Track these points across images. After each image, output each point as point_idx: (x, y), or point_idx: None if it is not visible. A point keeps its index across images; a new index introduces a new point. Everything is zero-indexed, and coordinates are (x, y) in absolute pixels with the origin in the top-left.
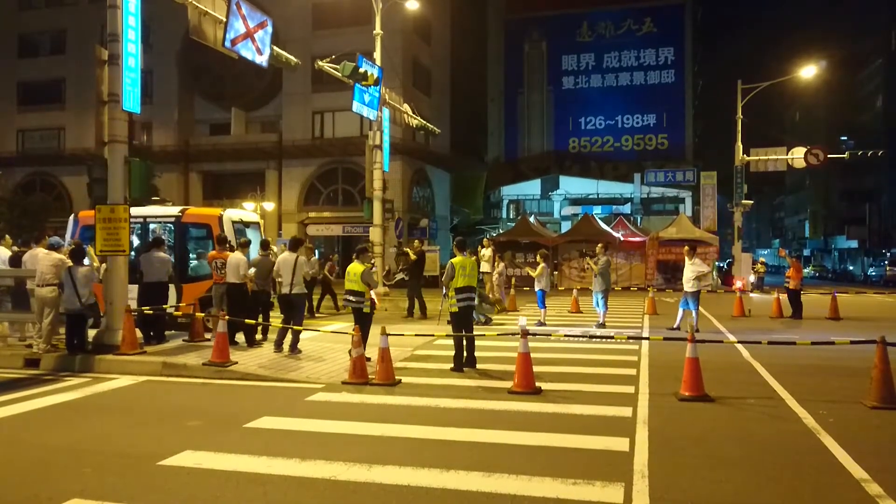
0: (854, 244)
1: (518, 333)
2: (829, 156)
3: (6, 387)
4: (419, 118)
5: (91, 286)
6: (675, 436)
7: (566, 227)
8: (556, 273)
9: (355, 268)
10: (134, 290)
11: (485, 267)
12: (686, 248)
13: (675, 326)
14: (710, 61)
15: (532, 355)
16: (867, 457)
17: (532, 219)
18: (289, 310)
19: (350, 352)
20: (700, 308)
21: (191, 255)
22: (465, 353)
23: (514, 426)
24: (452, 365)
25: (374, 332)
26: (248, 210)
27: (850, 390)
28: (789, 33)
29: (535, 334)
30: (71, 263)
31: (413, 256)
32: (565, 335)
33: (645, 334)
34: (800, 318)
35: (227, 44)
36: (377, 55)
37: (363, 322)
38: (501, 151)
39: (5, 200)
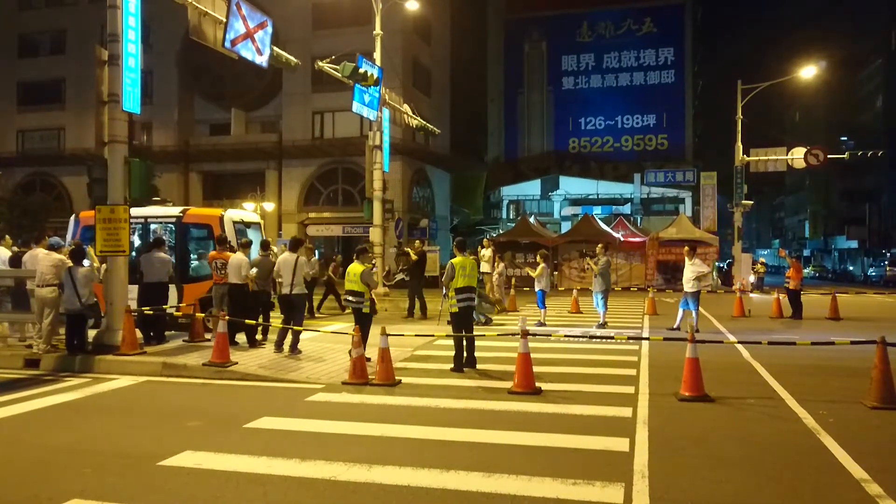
0: (854, 244)
1: (518, 334)
2: (828, 156)
3: (6, 387)
4: (419, 118)
5: (91, 286)
6: (675, 436)
7: (566, 227)
8: (556, 273)
9: (355, 268)
10: (134, 290)
11: (485, 267)
12: (686, 248)
13: (675, 327)
14: (710, 61)
15: (532, 355)
16: (867, 457)
17: (532, 219)
18: (289, 310)
19: (350, 352)
20: (700, 308)
21: (192, 256)
22: (465, 354)
23: (514, 426)
24: (452, 365)
25: (375, 332)
26: (248, 210)
27: (850, 390)
28: (789, 33)
29: (535, 334)
30: (71, 264)
31: (414, 257)
32: (565, 335)
33: (645, 334)
34: (800, 319)
35: (227, 44)
36: (377, 55)
37: (363, 322)
38: (501, 151)
39: (5, 200)
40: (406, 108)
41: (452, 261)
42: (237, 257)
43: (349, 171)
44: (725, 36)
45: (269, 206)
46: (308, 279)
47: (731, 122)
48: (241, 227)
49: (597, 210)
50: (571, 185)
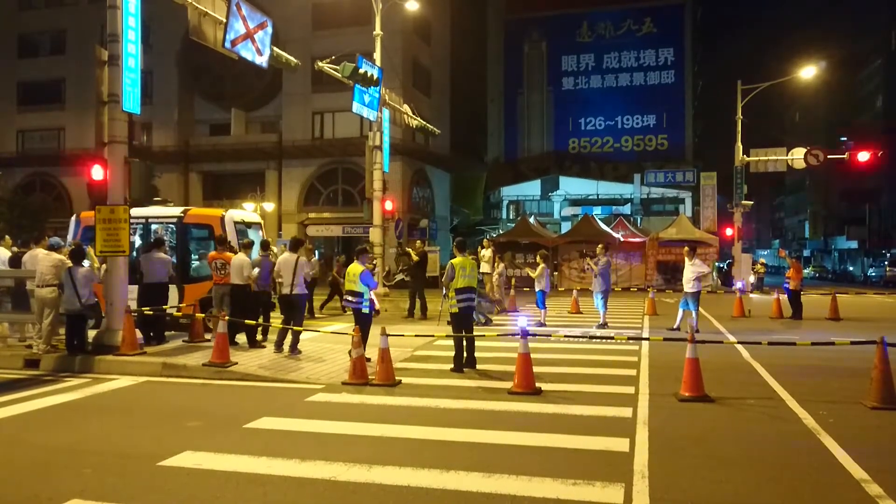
0: (854, 244)
1: (518, 334)
2: (828, 156)
3: (6, 387)
4: (419, 119)
5: (91, 286)
6: (675, 436)
7: (566, 227)
8: (556, 274)
9: (355, 268)
10: (134, 290)
11: (485, 267)
12: (686, 248)
13: (675, 327)
14: (710, 61)
15: (532, 356)
16: (867, 457)
17: (532, 219)
18: (289, 310)
19: (350, 352)
20: (700, 308)
21: (193, 256)
22: (465, 354)
23: (514, 427)
24: (452, 365)
25: (374, 332)
26: (248, 210)
27: (850, 391)
28: (789, 33)
29: (535, 335)
30: (71, 264)
31: (416, 258)
32: (565, 336)
33: (645, 335)
34: (800, 319)
35: (227, 44)
36: (377, 56)
37: (363, 323)
38: (501, 152)
39: (5, 201)
40: (406, 108)
41: (452, 261)
42: (239, 258)
43: (349, 171)
44: (725, 36)
45: (269, 207)
46: (308, 279)
47: (731, 123)
48: (243, 227)
49: (597, 210)
50: (571, 186)
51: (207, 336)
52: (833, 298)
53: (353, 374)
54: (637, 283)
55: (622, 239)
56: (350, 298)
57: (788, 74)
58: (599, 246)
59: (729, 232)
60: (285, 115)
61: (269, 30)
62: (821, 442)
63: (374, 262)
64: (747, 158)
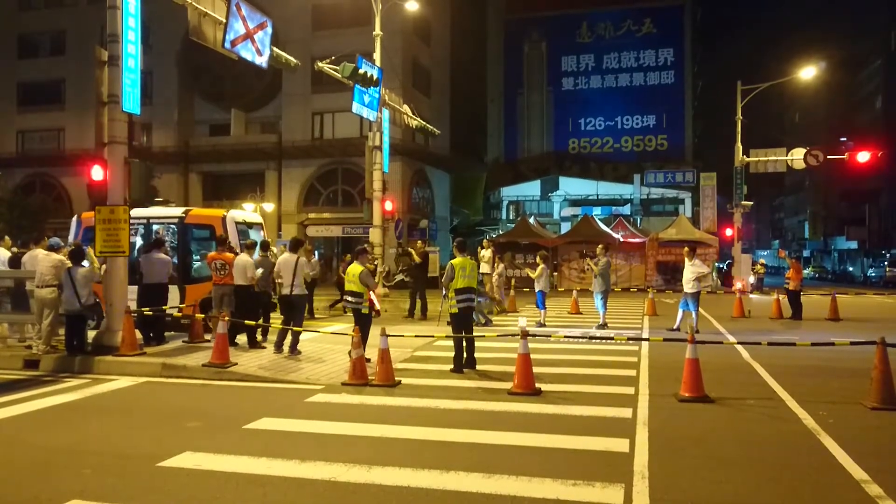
0: (854, 245)
1: (518, 334)
2: (828, 156)
3: (6, 388)
4: (419, 119)
5: (91, 287)
6: (675, 437)
7: (566, 228)
8: (555, 274)
9: (354, 269)
10: (134, 291)
11: (484, 268)
12: (686, 249)
13: (674, 327)
14: (710, 62)
15: (532, 356)
16: (867, 457)
17: (532, 220)
18: (289, 311)
19: (350, 353)
20: (700, 309)
21: (194, 257)
22: (464, 355)
23: (514, 427)
24: (452, 366)
25: (374, 333)
26: (248, 211)
27: (849, 391)
28: (789, 34)
29: (534, 335)
30: (70, 264)
31: (417, 258)
32: (565, 336)
33: (645, 335)
34: (799, 319)
35: (227, 45)
36: (377, 56)
37: (363, 323)
38: (501, 152)
39: (5, 201)
40: (406, 108)
41: (452, 262)
42: (242, 258)
43: (349, 171)
44: (725, 36)
45: (269, 207)
46: (308, 280)
47: (731, 123)
48: (244, 227)
49: (596, 211)
50: (571, 186)
51: (207, 336)
52: (833, 299)
53: (353, 375)
54: (637, 283)
55: (622, 239)
56: (350, 299)
57: (788, 75)
58: (599, 246)
59: (729, 232)
60: (285, 115)
61: (269, 30)
62: (821, 442)
63: (376, 263)
64: (747, 159)
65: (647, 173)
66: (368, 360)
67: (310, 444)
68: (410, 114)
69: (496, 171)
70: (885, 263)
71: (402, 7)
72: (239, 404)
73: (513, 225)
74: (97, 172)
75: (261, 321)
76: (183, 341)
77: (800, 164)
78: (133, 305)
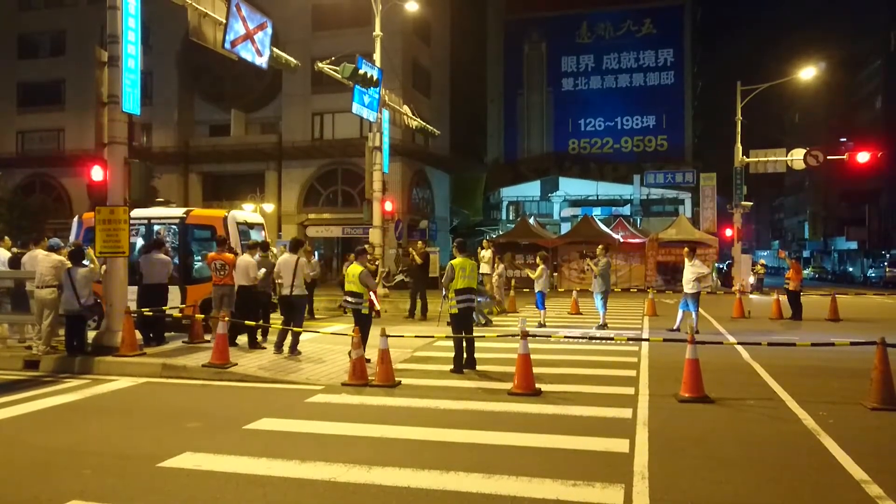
0: (853, 245)
1: (518, 335)
2: (828, 157)
3: (6, 388)
4: (419, 119)
5: (90, 287)
6: (675, 437)
7: (566, 228)
8: (555, 275)
9: (354, 269)
10: (134, 291)
11: (484, 268)
12: (686, 249)
13: (674, 328)
14: (710, 62)
15: (532, 357)
16: (867, 458)
17: (531, 220)
18: (289, 311)
19: (350, 353)
20: (700, 309)
21: (195, 257)
22: (464, 355)
23: (514, 427)
24: (452, 366)
25: (374, 333)
26: (248, 211)
27: (849, 391)
28: (788, 34)
29: (534, 336)
30: (70, 265)
31: (419, 259)
32: (565, 336)
33: (645, 336)
34: (799, 320)
35: (227, 45)
36: (377, 56)
37: (363, 323)
38: (501, 153)
39: (5, 202)
40: (406, 109)
41: (452, 262)
42: (245, 259)
43: (349, 172)
44: (725, 37)
45: (269, 208)
46: (308, 280)
47: (731, 123)
48: (245, 228)
49: (596, 211)
50: (571, 187)
51: (207, 337)
52: (833, 299)
53: (353, 375)
54: (637, 283)
55: (622, 240)
56: (349, 299)
57: (788, 75)
58: (599, 247)
59: (728, 233)
60: (285, 115)
61: (269, 30)
62: (821, 443)
63: (377, 263)
64: (747, 159)
65: (646, 174)
66: (368, 361)
67: (310, 445)
68: (410, 114)
69: (496, 172)
70: (885, 264)
71: (402, 7)
72: (239, 405)
73: (513, 225)
74: (97, 173)
75: (261, 321)
76: (183, 342)
77: (800, 165)
78: (133, 306)
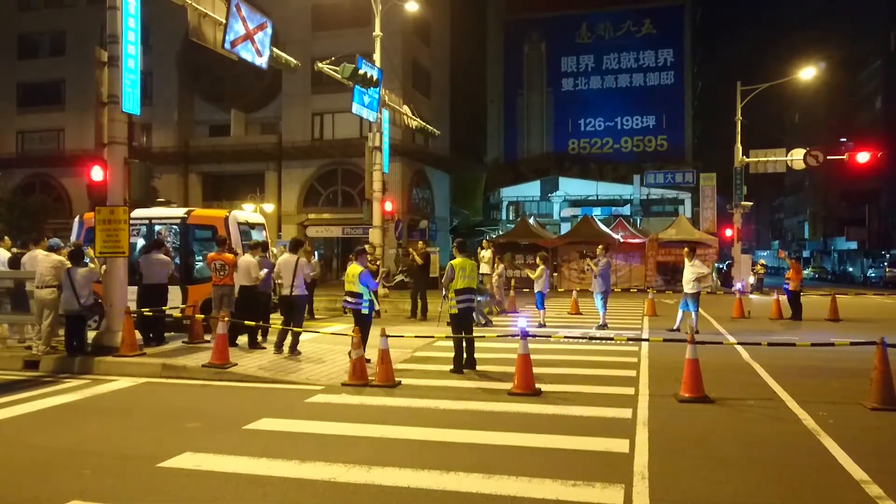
0: (853, 245)
1: (518, 335)
2: (828, 157)
3: (6, 388)
4: (419, 119)
5: (90, 287)
6: (675, 437)
7: (566, 228)
8: (555, 275)
9: (354, 269)
10: (134, 291)
11: (484, 268)
12: (686, 249)
13: (674, 328)
14: (710, 62)
15: (532, 357)
16: (867, 458)
17: (531, 220)
18: (289, 311)
19: (350, 353)
20: (700, 309)
21: (197, 257)
22: (464, 355)
23: (514, 428)
24: (452, 366)
25: (374, 333)
26: (249, 211)
27: (849, 391)
28: (788, 34)
29: (534, 336)
30: (70, 265)
31: (419, 260)
32: (565, 336)
33: (645, 336)
34: (799, 320)
35: (227, 45)
36: (377, 57)
37: (363, 323)
38: (501, 153)
39: (5, 202)
40: (405, 109)
41: (452, 262)
42: (246, 259)
43: (349, 172)
44: (725, 37)
45: (269, 208)
46: (308, 280)
47: (731, 123)
48: (246, 228)
49: (596, 211)
50: (571, 187)
51: (207, 337)
52: (832, 299)
53: (353, 376)
54: (637, 283)
55: (622, 240)
56: (349, 299)
57: (788, 75)
58: (600, 247)
59: (728, 233)
60: (285, 116)
61: (269, 31)
62: (821, 443)
63: (378, 263)
64: (747, 159)
65: (646, 174)
66: (368, 361)
67: (310, 445)
68: (410, 114)
69: (496, 172)
70: (885, 264)
71: (402, 7)
72: (239, 405)
73: (513, 225)
74: (97, 173)
75: (261, 322)
76: (183, 342)
77: (799, 165)
78: (133, 306)
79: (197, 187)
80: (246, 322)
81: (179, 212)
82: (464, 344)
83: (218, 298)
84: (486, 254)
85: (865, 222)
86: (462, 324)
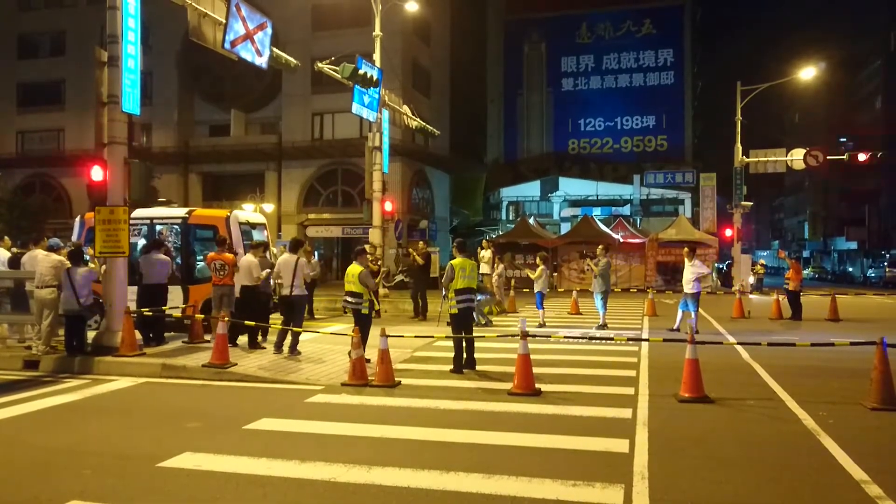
0: (853, 245)
1: (518, 335)
2: (828, 157)
3: (5, 388)
4: (419, 119)
5: (90, 287)
6: (675, 437)
7: (566, 228)
8: (555, 275)
9: (354, 269)
10: (134, 291)
11: (484, 268)
12: (686, 249)
13: (675, 328)
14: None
15: (532, 357)
16: (867, 458)
17: (531, 220)
18: (289, 311)
19: (350, 353)
20: (700, 309)
21: (198, 257)
22: (464, 355)
23: (514, 428)
24: (452, 366)
25: (374, 333)
26: (249, 211)
27: (849, 391)
28: (788, 34)
29: (534, 336)
30: (70, 265)
31: (420, 260)
32: (565, 337)
33: (645, 336)
34: (799, 320)
35: (227, 45)
36: (377, 57)
37: (363, 323)
38: (501, 153)
39: (5, 202)
40: (405, 109)
41: (452, 262)
42: (247, 259)
43: (349, 172)
44: (725, 37)
45: (269, 208)
46: (308, 280)
47: (731, 123)
48: (247, 227)
49: (596, 211)
50: (571, 187)
51: (207, 337)
52: (832, 299)
53: (353, 375)
54: (637, 283)
55: (622, 240)
56: (349, 299)
57: (788, 75)
58: (600, 247)
59: (728, 233)
60: (285, 116)
61: (269, 31)
62: (821, 443)
63: (380, 263)
64: (747, 159)
65: (646, 174)
66: (368, 361)
67: (310, 445)
68: (410, 114)
69: (496, 172)
70: (885, 264)
71: (402, 7)
72: (239, 405)
73: (512, 225)
74: (97, 173)
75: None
76: (183, 342)
77: (799, 165)
78: (133, 306)
79: (197, 187)
80: (246, 322)
81: (181, 212)
82: (464, 344)
83: (218, 298)
84: (485, 254)
85: (865, 222)
86: (462, 324)
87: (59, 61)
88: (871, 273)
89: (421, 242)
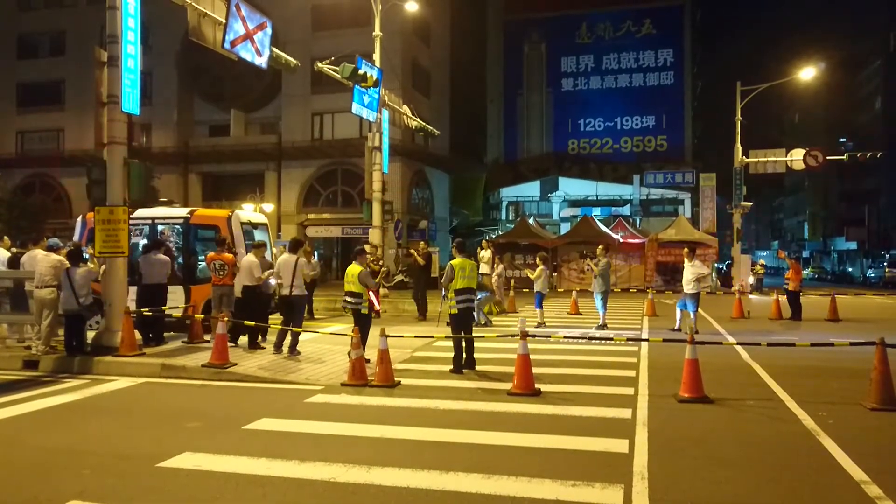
0: (853, 246)
1: (517, 335)
2: (827, 157)
3: (5, 388)
4: (418, 119)
5: (89, 286)
6: (675, 437)
7: (565, 228)
8: (555, 275)
9: (353, 269)
10: (134, 291)
11: (484, 268)
12: (685, 249)
13: (676, 328)
14: (710, 62)
15: (531, 357)
16: (867, 458)
17: (531, 220)
18: (288, 311)
19: (349, 353)
20: (699, 309)
21: (199, 257)
22: (464, 355)
23: (514, 428)
24: (452, 367)
25: (374, 333)
26: (249, 211)
27: (849, 392)
28: (788, 34)
29: (534, 336)
30: (69, 265)
31: (421, 260)
32: (565, 337)
33: (644, 336)
34: (799, 320)
35: (227, 45)
36: (376, 57)
37: (362, 323)
38: (501, 153)
39: (4, 202)
40: (405, 109)
41: (452, 262)
42: (248, 259)
43: (348, 172)
44: (725, 37)
45: (269, 208)
46: (308, 280)
47: (731, 124)
48: (249, 227)
49: (596, 211)
50: (571, 187)
51: (207, 337)
52: (832, 299)
53: (353, 376)
54: (636, 284)
55: (621, 240)
56: (349, 299)
57: (788, 75)
58: (600, 247)
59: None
60: (285, 116)
61: (269, 31)
62: (820, 443)
63: (381, 263)
64: (746, 159)
65: (646, 174)
66: (368, 361)
67: (309, 445)
68: (410, 114)
69: (496, 172)
70: (885, 264)
71: (401, 7)
72: (238, 405)
73: (512, 225)
74: (97, 173)
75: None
76: (182, 342)
77: (799, 165)
78: (133, 306)
79: (197, 187)
80: (246, 322)
81: (182, 212)
82: (463, 344)
83: (217, 298)
84: (485, 254)
85: (865, 222)
86: (462, 324)
87: (58, 61)
88: (870, 273)
89: (422, 242)
